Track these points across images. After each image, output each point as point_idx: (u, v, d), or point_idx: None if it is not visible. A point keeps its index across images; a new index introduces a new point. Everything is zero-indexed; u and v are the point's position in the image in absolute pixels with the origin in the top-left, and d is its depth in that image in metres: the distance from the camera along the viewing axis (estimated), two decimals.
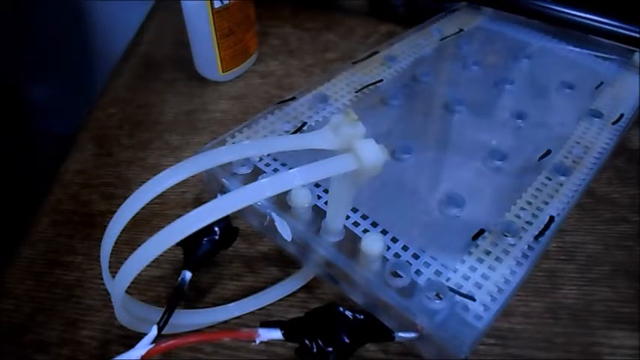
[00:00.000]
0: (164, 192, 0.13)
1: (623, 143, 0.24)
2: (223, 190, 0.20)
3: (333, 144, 0.14)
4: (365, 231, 0.18)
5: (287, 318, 0.15)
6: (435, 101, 0.26)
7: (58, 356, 0.17)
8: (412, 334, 0.15)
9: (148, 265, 0.12)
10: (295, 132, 0.23)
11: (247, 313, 0.18)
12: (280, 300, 0.19)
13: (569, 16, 0.30)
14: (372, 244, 0.17)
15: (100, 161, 0.25)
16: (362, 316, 0.15)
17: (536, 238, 0.18)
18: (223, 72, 0.30)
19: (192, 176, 0.13)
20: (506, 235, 0.18)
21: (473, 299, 0.16)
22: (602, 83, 0.27)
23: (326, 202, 0.19)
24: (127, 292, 0.14)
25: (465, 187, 0.20)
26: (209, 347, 0.17)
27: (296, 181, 0.13)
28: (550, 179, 0.21)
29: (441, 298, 0.16)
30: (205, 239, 0.17)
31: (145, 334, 0.14)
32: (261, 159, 0.21)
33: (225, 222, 0.18)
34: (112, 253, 0.14)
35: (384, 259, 0.17)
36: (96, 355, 0.17)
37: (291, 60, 0.33)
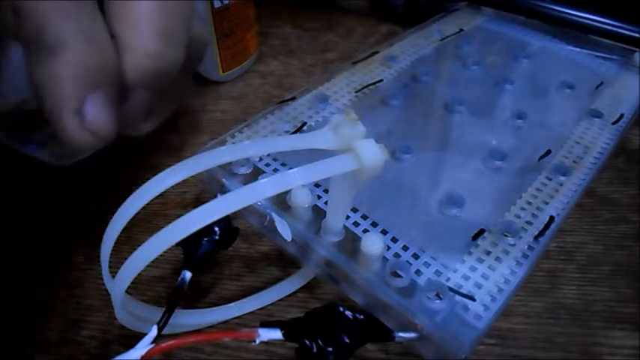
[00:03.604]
0: (164, 192, 0.13)
1: (623, 143, 0.24)
2: (223, 190, 0.20)
3: (333, 144, 0.14)
4: (365, 231, 0.18)
5: (287, 318, 0.15)
6: (435, 101, 0.26)
7: (58, 356, 0.17)
8: (412, 334, 0.15)
9: (148, 265, 0.12)
10: (295, 132, 0.23)
11: (247, 313, 0.18)
12: (280, 300, 0.19)
13: (569, 16, 0.30)
14: (372, 244, 0.17)
15: (101, 161, 0.25)
16: (362, 316, 0.15)
17: (536, 238, 0.18)
18: (223, 72, 0.30)
19: (192, 176, 0.13)
20: (506, 235, 0.18)
21: (473, 299, 0.16)
22: (602, 83, 0.27)
23: (326, 202, 0.19)
24: (127, 292, 0.14)
25: (465, 187, 0.20)
26: (209, 347, 0.17)
27: (296, 181, 0.13)
28: (550, 179, 0.21)
29: (441, 298, 0.16)
30: (205, 239, 0.17)
31: (145, 334, 0.14)
32: (261, 159, 0.21)
33: (225, 222, 0.18)
34: (112, 253, 0.14)
35: (384, 259, 0.17)
36: (96, 355, 0.17)
37: (291, 60, 0.33)
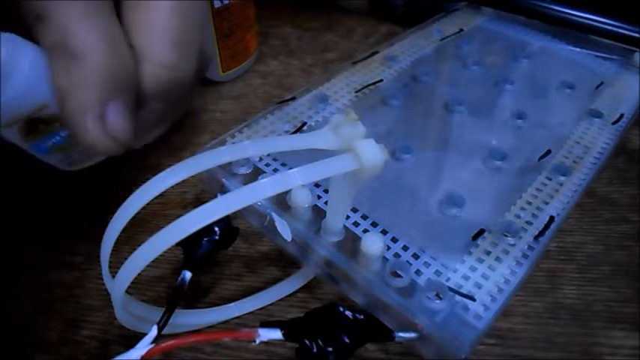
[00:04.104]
0: (164, 192, 0.13)
1: (623, 143, 0.24)
2: (223, 190, 0.20)
3: (333, 144, 0.14)
4: (365, 231, 0.18)
5: (287, 318, 0.15)
6: (435, 101, 0.26)
7: (58, 356, 0.17)
8: (412, 334, 0.15)
9: (148, 265, 0.12)
10: (295, 132, 0.23)
11: (247, 313, 0.18)
12: (280, 300, 0.19)
13: (569, 16, 0.30)
14: (372, 244, 0.17)
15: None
16: (362, 316, 0.15)
17: (536, 238, 0.18)
18: (223, 72, 0.30)
19: (192, 176, 0.13)
20: (506, 235, 0.18)
21: (473, 299, 0.16)
22: (602, 83, 0.27)
23: (326, 202, 0.19)
24: (127, 292, 0.14)
25: (465, 187, 0.20)
26: (209, 347, 0.17)
27: (296, 181, 0.13)
28: (550, 179, 0.21)
29: (441, 298, 0.16)
30: (205, 239, 0.17)
31: (145, 334, 0.14)
32: (261, 159, 0.21)
33: (225, 222, 0.18)
34: (112, 253, 0.14)
35: (384, 259, 0.17)
36: (96, 355, 0.17)
37: (291, 60, 0.33)
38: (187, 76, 0.18)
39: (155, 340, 0.14)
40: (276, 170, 0.21)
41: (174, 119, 0.22)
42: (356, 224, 0.18)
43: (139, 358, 0.13)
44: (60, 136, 0.17)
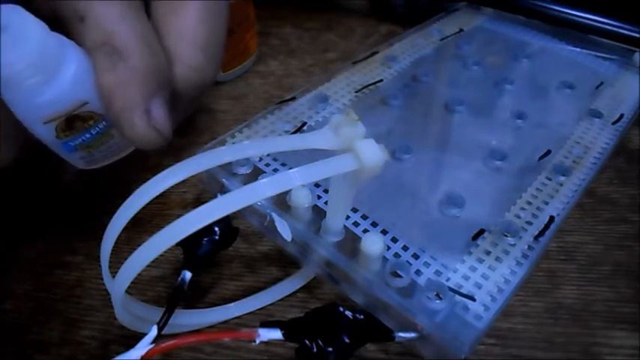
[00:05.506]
0: (164, 192, 0.13)
1: (623, 143, 0.24)
2: (223, 190, 0.20)
3: (333, 144, 0.14)
4: (365, 231, 0.18)
5: (287, 318, 0.15)
6: (435, 101, 0.26)
7: (58, 356, 0.17)
8: (412, 334, 0.15)
9: (148, 265, 0.12)
10: (295, 132, 0.23)
11: (247, 313, 0.18)
12: (280, 300, 0.19)
13: (569, 16, 0.30)
14: (372, 244, 0.17)
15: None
16: (362, 316, 0.15)
17: (536, 238, 0.18)
18: (223, 72, 0.30)
19: (192, 176, 0.13)
20: (506, 235, 0.18)
21: (473, 299, 0.16)
22: (602, 83, 0.27)
23: (326, 202, 0.19)
24: (127, 292, 0.14)
25: (465, 187, 0.20)
26: (209, 347, 0.17)
27: (296, 181, 0.13)
28: (550, 179, 0.21)
29: (441, 298, 0.16)
30: (205, 239, 0.17)
31: (145, 334, 0.14)
32: (261, 159, 0.21)
33: (225, 222, 0.18)
34: (112, 253, 0.14)
35: (384, 259, 0.17)
36: (96, 355, 0.17)
37: (291, 60, 0.33)
38: (211, 77, 0.19)
39: (155, 340, 0.14)
40: (276, 170, 0.21)
41: (186, 117, 0.22)
42: (356, 224, 0.18)
43: (138, 358, 0.13)
44: (90, 134, 0.17)
